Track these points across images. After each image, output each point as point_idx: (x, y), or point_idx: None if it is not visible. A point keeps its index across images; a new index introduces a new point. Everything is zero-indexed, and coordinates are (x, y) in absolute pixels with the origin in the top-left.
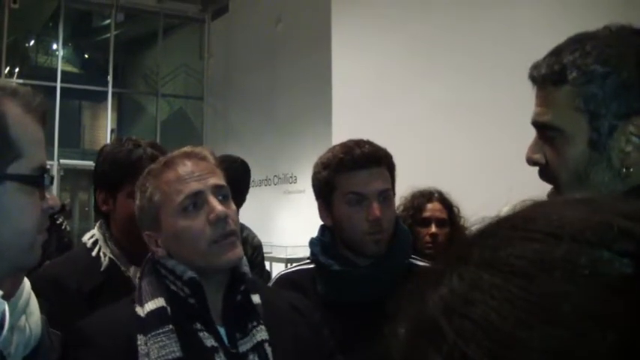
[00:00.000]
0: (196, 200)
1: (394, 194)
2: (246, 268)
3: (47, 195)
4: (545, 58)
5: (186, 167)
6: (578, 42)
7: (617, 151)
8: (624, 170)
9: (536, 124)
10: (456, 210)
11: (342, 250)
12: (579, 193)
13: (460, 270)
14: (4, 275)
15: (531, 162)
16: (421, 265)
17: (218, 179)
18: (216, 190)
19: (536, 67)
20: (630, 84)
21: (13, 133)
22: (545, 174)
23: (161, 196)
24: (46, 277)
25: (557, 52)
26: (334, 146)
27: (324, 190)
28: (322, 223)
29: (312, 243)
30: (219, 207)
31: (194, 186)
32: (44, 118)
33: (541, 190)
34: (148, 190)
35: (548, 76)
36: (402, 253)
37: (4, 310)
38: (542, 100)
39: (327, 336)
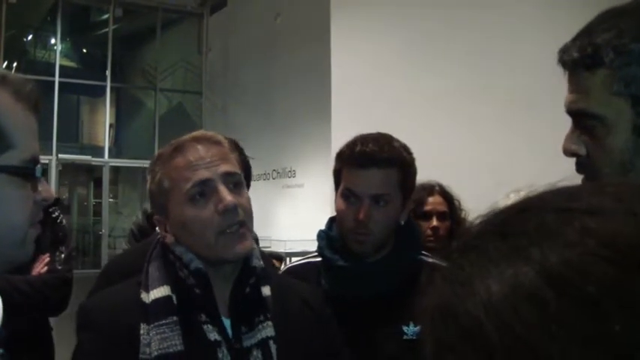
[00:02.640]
0: (205, 189)
1: (406, 196)
2: (257, 262)
3: (40, 187)
4: (574, 40)
5: (196, 153)
6: (609, 19)
7: None
8: None
9: (571, 112)
10: (457, 203)
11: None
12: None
13: (515, 269)
14: None
15: (569, 153)
16: (430, 262)
17: (230, 166)
18: (227, 177)
19: (565, 50)
20: None
21: (3, 122)
22: (585, 166)
23: (170, 182)
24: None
25: (587, 33)
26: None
27: (335, 179)
28: (329, 216)
29: (319, 236)
30: (228, 197)
31: (203, 174)
32: (37, 107)
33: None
34: (157, 175)
35: (580, 60)
36: (408, 251)
37: None
38: (576, 86)
39: (335, 331)
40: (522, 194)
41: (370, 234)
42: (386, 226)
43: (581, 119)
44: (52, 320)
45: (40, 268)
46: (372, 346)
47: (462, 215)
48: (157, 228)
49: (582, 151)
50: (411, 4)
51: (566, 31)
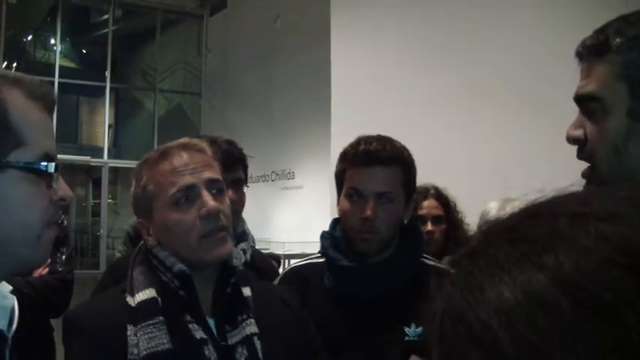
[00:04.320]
0: (189, 194)
1: (409, 195)
2: (236, 262)
3: (55, 185)
4: (591, 34)
5: (181, 159)
6: (623, 17)
7: None
8: None
9: (577, 97)
10: (452, 205)
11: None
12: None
13: (527, 276)
14: (10, 270)
15: (571, 140)
16: (431, 265)
17: (213, 173)
18: (210, 184)
19: (582, 43)
20: None
21: (13, 119)
22: (584, 152)
23: (155, 186)
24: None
25: (603, 27)
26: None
27: (338, 181)
28: (328, 217)
29: (323, 237)
30: (211, 202)
31: (188, 179)
32: (52, 108)
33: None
34: (143, 179)
35: (592, 47)
36: (412, 252)
37: (13, 306)
38: (586, 72)
39: (314, 332)
40: (516, 204)
41: (376, 232)
42: (391, 224)
43: (586, 104)
44: (52, 322)
45: (41, 269)
46: (375, 347)
47: (460, 217)
48: None
49: (582, 135)
50: (412, 6)
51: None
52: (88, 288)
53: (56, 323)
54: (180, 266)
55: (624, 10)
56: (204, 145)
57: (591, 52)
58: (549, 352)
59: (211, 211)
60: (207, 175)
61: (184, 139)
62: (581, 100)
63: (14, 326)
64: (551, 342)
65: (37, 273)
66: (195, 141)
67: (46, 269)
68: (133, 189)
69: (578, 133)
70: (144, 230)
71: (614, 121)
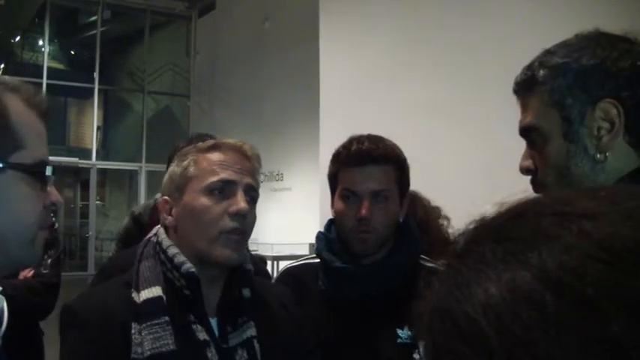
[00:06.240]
0: (226, 187)
1: (403, 193)
2: (249, 266)
3: (49, 189)
4: (521, 71)
5: (231, 157)
6: (546, 50)
7: (590, 137)
8: (599, 156)
9: (520, 131)
10: (423, 210)
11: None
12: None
13: (513, 273)
14: (2, 270)
15: (524, 171)
16: (429, 266)
17: (254, 182)
18: (249, 189)
19: (515, 80)
20: (592, 69)
21: (14, 124)
22: (537, 180)
23: (197, 170)
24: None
25: (530, 63)
26: (348, 138)
27: (331, 183)
28: (316, 219)
29: (318, 238)
30: (243, 203)
31: (231, 174)
32: (46, 116)
33: (526, 188)
34: (188, 159)
35: (522, 83)
36: (406, 253)
37: (2, 307)
38: (522, 107)
39: (309, 333)
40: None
41: (372, 231)
42: (387, 223)
43: (527, 135)
44: (41, 324)
45: (27, 272)
46: (368, 348)
47: (441, 221)
48: (143, 230)
49: (532, 165)
50: (401, 7)
51: (560, 34)
52: (76, 290)
53: (45, 325)
54: (188, 266)
55: (623, 9)
56: (255, 155)
57: (522, 87)
58: (534, 344)
59: (241, 210)
60: (249, 180)
61: (240, 142)
62: (523, 132)
63: (4, 327)
64: (535, 334)
65: (22, 276)
66: (249, 148)
67: (32, 272)
68: (171, 167)
69: (528, 163)
70: (165, 209)
71: (553, 146)
